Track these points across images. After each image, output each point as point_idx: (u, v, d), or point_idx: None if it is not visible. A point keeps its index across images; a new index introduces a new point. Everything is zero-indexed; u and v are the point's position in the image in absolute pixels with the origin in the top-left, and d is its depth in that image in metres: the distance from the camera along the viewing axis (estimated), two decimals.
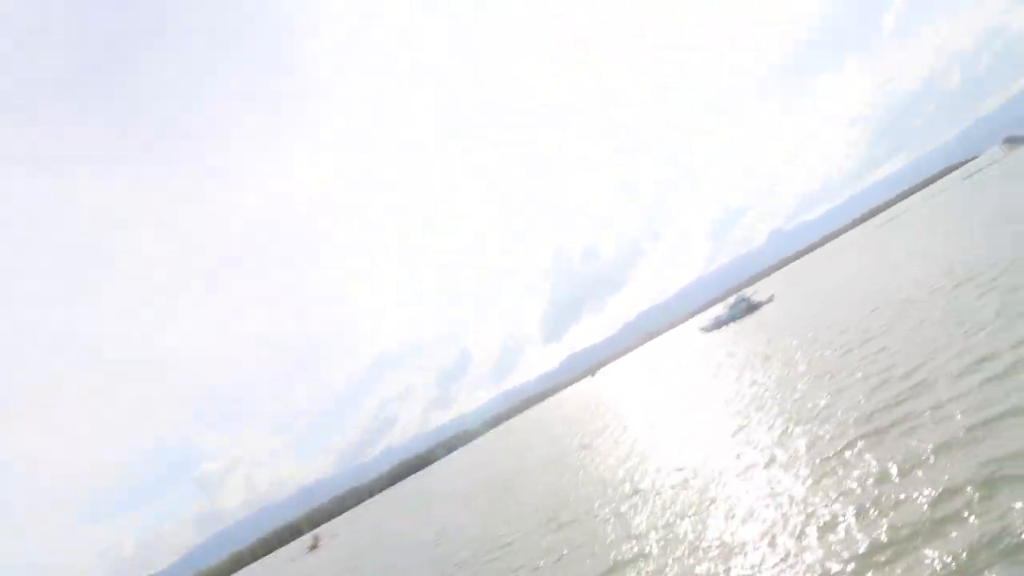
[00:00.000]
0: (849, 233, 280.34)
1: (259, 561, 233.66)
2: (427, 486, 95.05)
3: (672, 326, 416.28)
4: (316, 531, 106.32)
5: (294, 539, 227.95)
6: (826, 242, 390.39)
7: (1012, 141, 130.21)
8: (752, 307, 73.95)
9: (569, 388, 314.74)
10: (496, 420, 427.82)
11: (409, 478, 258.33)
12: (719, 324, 78.57)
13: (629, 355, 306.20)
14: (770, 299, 75.66)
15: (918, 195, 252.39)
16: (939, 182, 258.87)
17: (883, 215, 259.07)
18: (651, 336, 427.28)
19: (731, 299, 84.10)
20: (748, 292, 79.36)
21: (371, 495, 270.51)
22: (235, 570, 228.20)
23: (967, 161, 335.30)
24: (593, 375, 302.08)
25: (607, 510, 16.70)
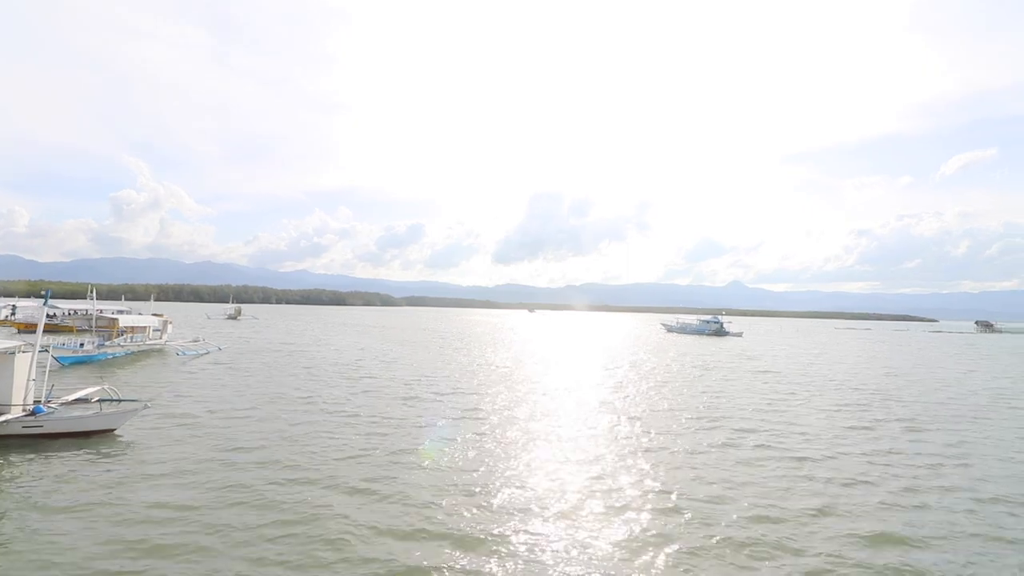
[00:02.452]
0: (808, 320, 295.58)
1: (159, 301, 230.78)
2: (333, 319, 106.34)
3: (609, 308, 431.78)
4: (239, 305, 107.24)
5: (194, 300, 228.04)
6: (778, 316, 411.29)
7: (983, 324, 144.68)
8: (721, 332, 78.60)
9: (499, 311, 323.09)
10: (414, 301, 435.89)
11: (316, 306, 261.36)
12: (685, 330, 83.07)
13: (564, 312, 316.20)
14: (740, 334, 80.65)
15: (878, 323, 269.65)
16: (903, 323, 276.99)
17: (840, 321, 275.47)
18: (594, 307, 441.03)
19: (707, 316, 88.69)
20: (723, 319, 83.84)
21: (277, 302, 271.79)
22: (132, 300, 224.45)
23: (931, 319, 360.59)
24: (531, 311, 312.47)
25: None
